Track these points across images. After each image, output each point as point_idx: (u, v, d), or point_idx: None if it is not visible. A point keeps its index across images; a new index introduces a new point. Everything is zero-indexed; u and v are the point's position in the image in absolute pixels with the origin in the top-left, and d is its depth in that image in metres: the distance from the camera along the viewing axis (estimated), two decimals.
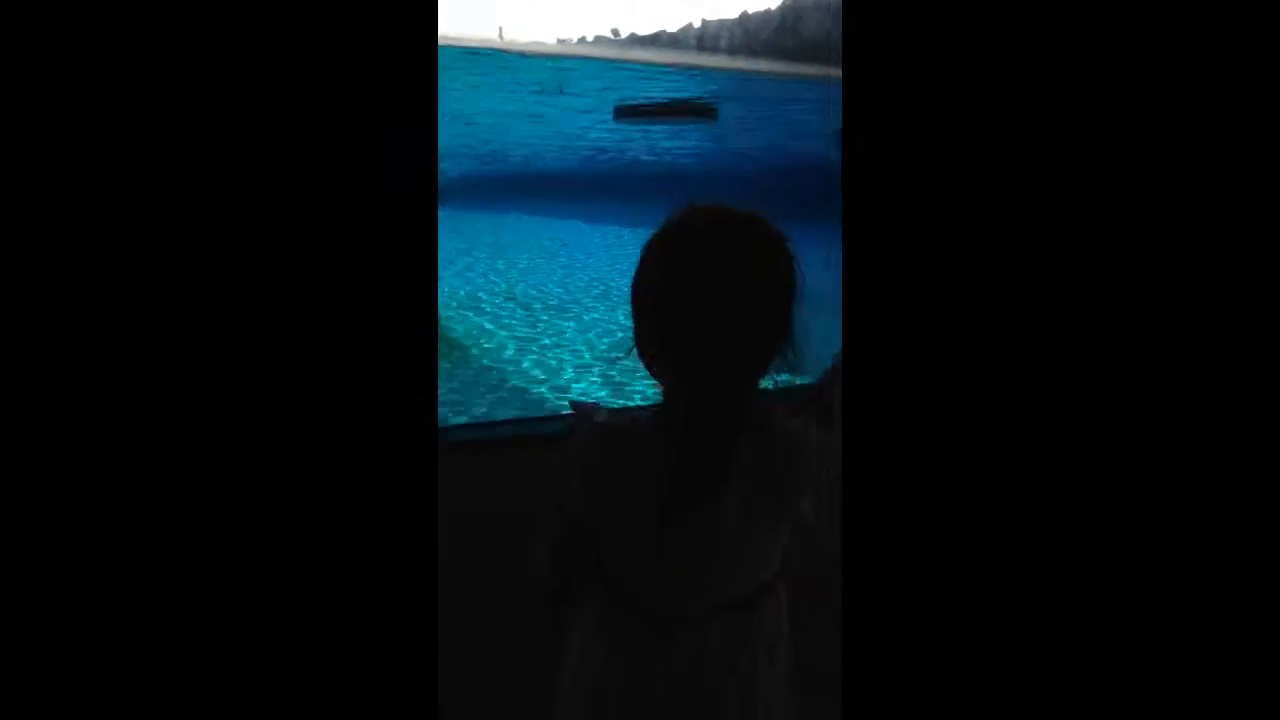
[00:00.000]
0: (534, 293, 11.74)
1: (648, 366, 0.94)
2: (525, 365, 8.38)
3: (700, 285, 0.87)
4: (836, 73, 0.67)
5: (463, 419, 6.15)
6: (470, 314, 10.44)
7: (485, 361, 8.39)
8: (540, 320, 10.23)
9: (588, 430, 0.97)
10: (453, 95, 9.93)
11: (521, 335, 9.51)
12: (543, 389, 7.55)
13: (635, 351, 0.95)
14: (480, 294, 11.57)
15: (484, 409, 6.81)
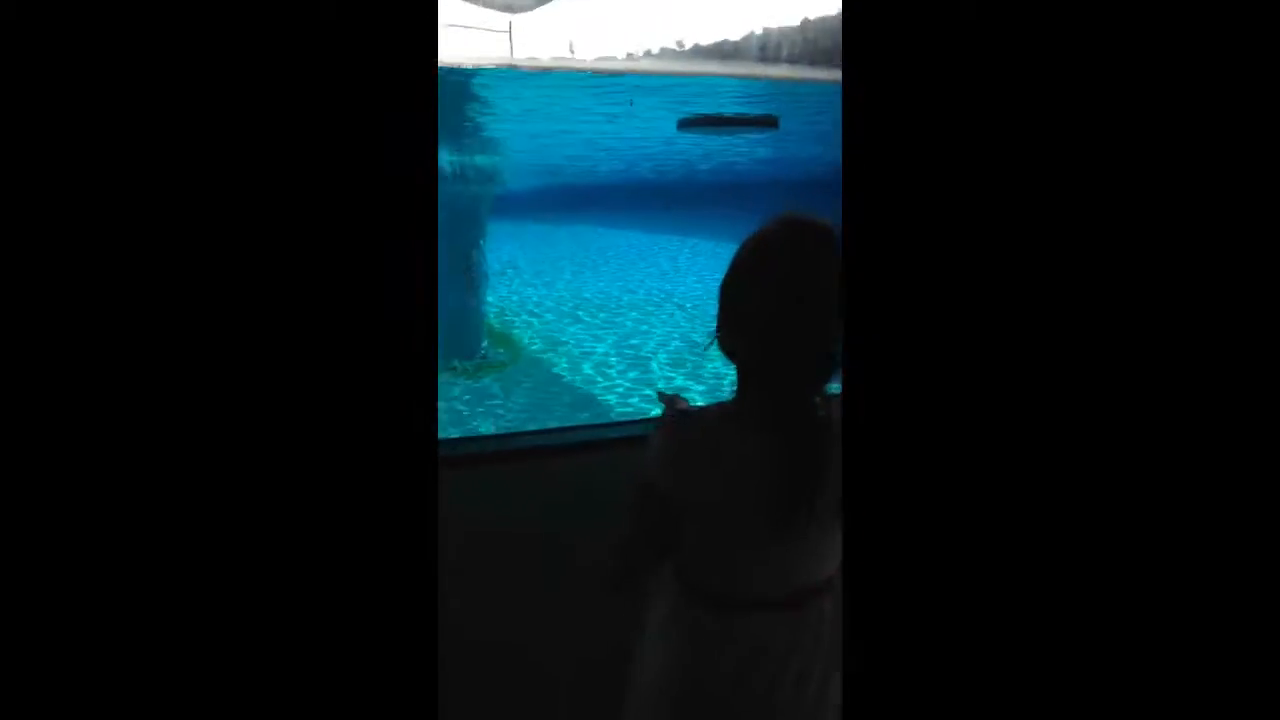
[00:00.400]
0: (596, 299, 12.21)
1: (730, 358, 1.01)
2: (587, 369, 8.75)
3: (787, 288, 0.94)
4: None
5: (534, 426, 6.33)
6: (535, 320, 10.89)
7: (556, 370, 8.68)
8: (602, 325, 10.64)
9: (675, 418, 1.03)
10: (524, 113, 10.39)
11: (584, 341, 9.89)
12: (609, 397, 7.84)
13: (717, 345, 1.02)
14: (546, 301, 12.05)
15: (556, 413, 7.06)
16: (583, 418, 7.01)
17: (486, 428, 6.93)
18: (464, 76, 8.09)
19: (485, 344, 9.25)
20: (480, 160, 8.81)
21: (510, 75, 8.83)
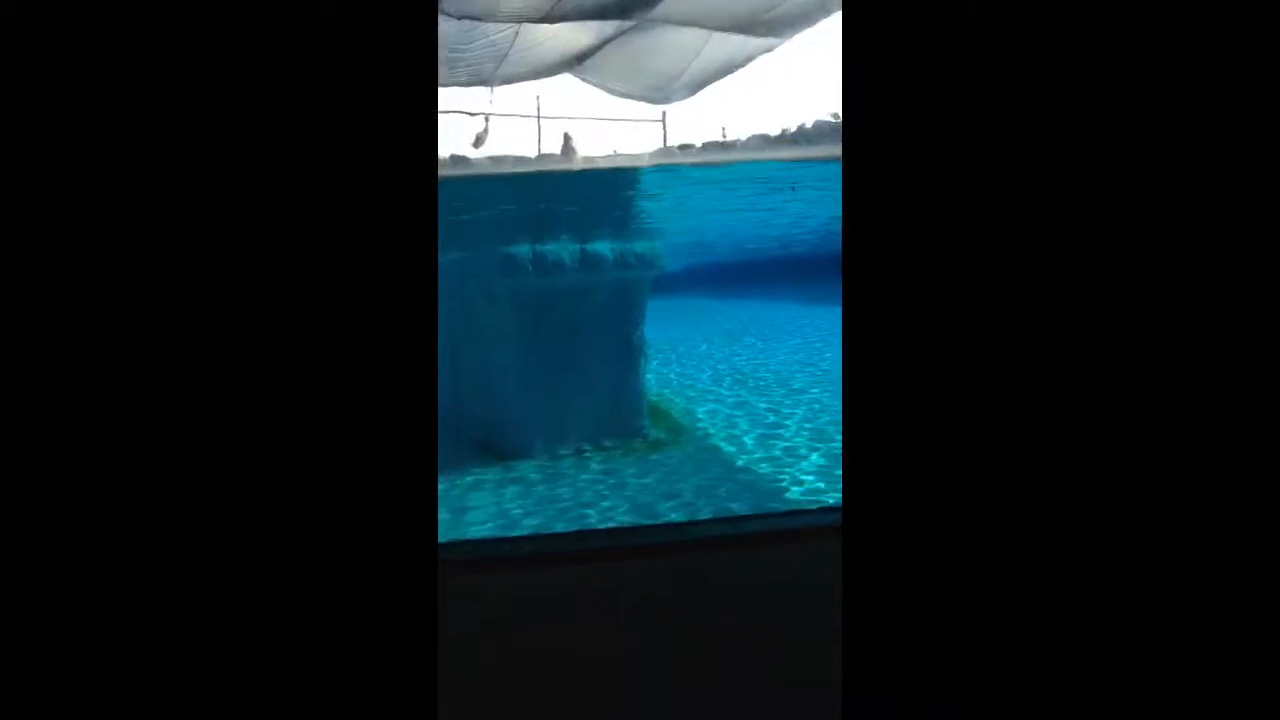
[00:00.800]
0: (754, 375, 12.22)
1: None
2: (750, 445, 8.66)
3: None
4: None
5: (709, 514, 6.31)
6: (693, 397, 10.99)
7: (725, 451, 8.55)
8: (761, 403, 10.57)
9: None
10: (680, 201, 10.83)
11: (745, 419, 9.86)
12: (782, 480, 7.61)
13: None
14: (704, 378, 12.18)
15: (725, 497, 6.94)
16: (744, 501, 6.90)
17: (620, 512, 6.82)
18: (619, 174, 8.65)
19: (646, 423, 9.40)
20: (639, 246, 9.12)
21: (665, 170, 9.25)
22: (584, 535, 1.98)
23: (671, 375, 12.19)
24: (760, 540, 1.75)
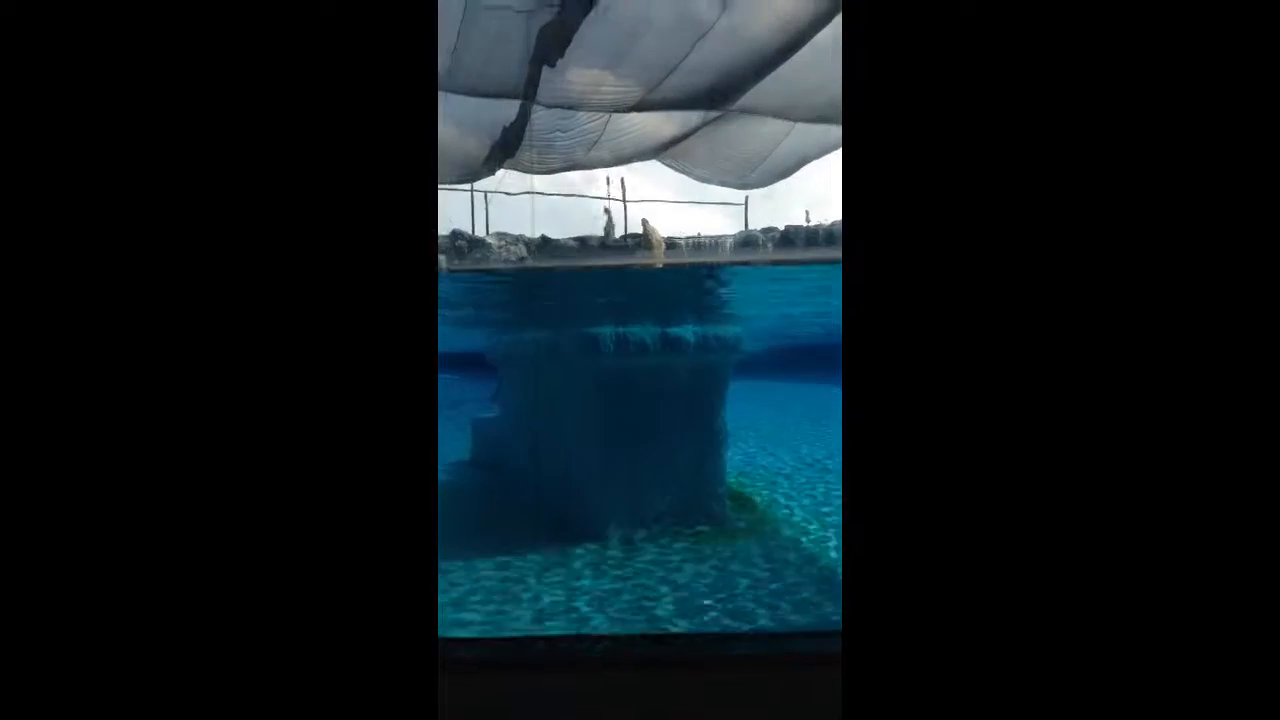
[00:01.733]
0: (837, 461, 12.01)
1: None
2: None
3: None
4: None
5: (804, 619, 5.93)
6: (775, 482, 10.72)
7: (792, 536, 8.32)
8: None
9: None
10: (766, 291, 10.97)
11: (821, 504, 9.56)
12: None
13: None
14: (787, 463, 11.98)
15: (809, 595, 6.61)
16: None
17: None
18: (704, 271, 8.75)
19: (726, 507, 9.19)
20: (722, 330, 9.17)
21: (744, 272, 9.33)
22: (587, 640, 1.88)
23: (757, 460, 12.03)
24: (762, 665, 1.66)
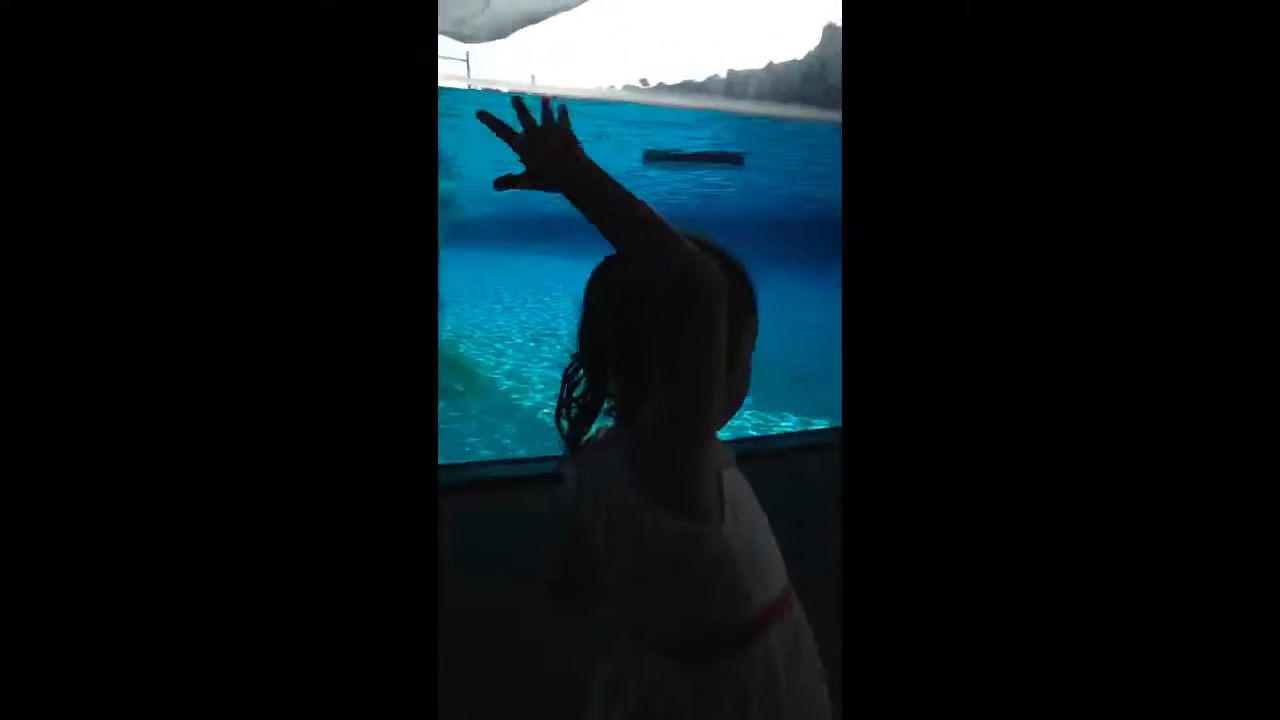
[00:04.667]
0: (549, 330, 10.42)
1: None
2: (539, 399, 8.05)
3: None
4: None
5: (489, 453, 6.29)
6: (492, 350, 9.74)
7: (517, 399, 8.04)
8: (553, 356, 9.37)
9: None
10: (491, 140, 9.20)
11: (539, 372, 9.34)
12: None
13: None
14: (509, 332, 10.15)
15: (509, 441, 6.76)
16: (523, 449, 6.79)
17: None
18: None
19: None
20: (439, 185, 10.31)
21: (472, 96, 9.58)
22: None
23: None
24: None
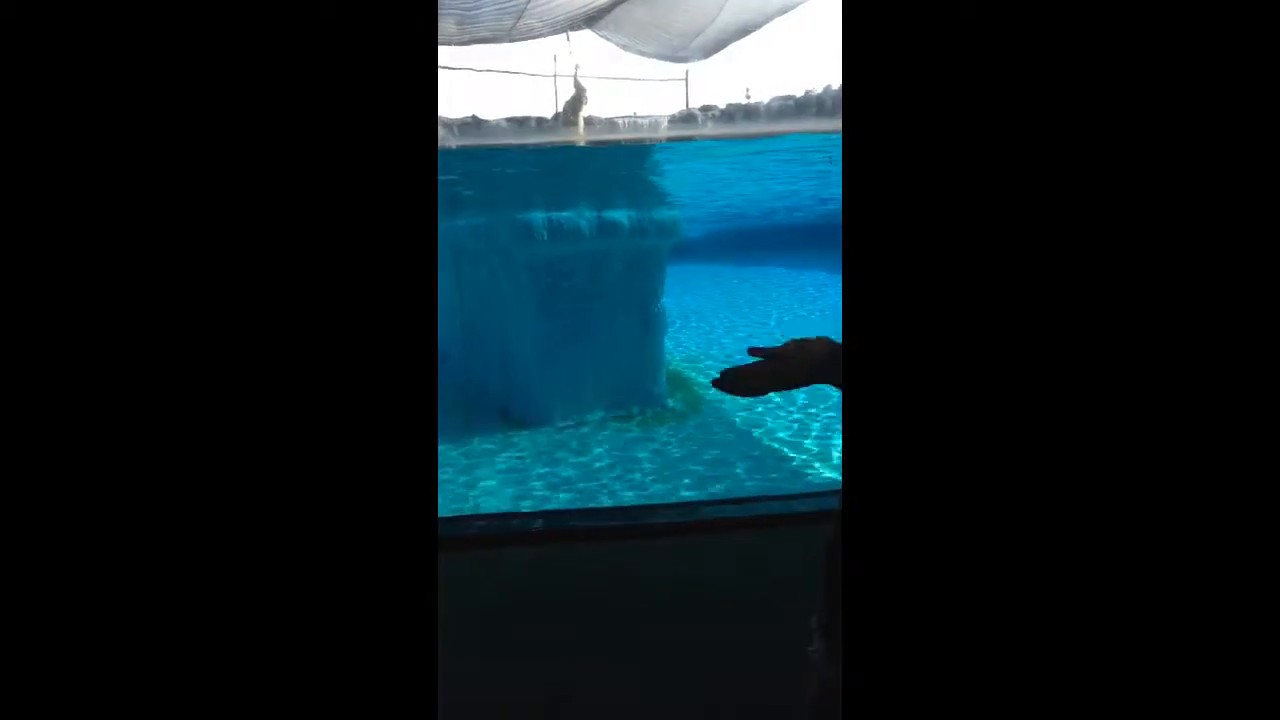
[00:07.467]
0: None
1: None
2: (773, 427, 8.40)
3: None
4: None
5: (721, 486, 6.47)
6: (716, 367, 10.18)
7: (738, 422, 8.45)
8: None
9: None
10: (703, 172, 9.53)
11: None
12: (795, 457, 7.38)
13: None
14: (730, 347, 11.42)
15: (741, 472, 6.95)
16: (756, 481, 6.87)
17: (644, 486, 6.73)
18: (636, 151, 8.97)
19: (664, 390, 9.17)
20: (658, 214, 8.97)
21: (685, 147, 9.70)
22: (595, 513, 1.84)
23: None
24: (763, 523, 1.76)
